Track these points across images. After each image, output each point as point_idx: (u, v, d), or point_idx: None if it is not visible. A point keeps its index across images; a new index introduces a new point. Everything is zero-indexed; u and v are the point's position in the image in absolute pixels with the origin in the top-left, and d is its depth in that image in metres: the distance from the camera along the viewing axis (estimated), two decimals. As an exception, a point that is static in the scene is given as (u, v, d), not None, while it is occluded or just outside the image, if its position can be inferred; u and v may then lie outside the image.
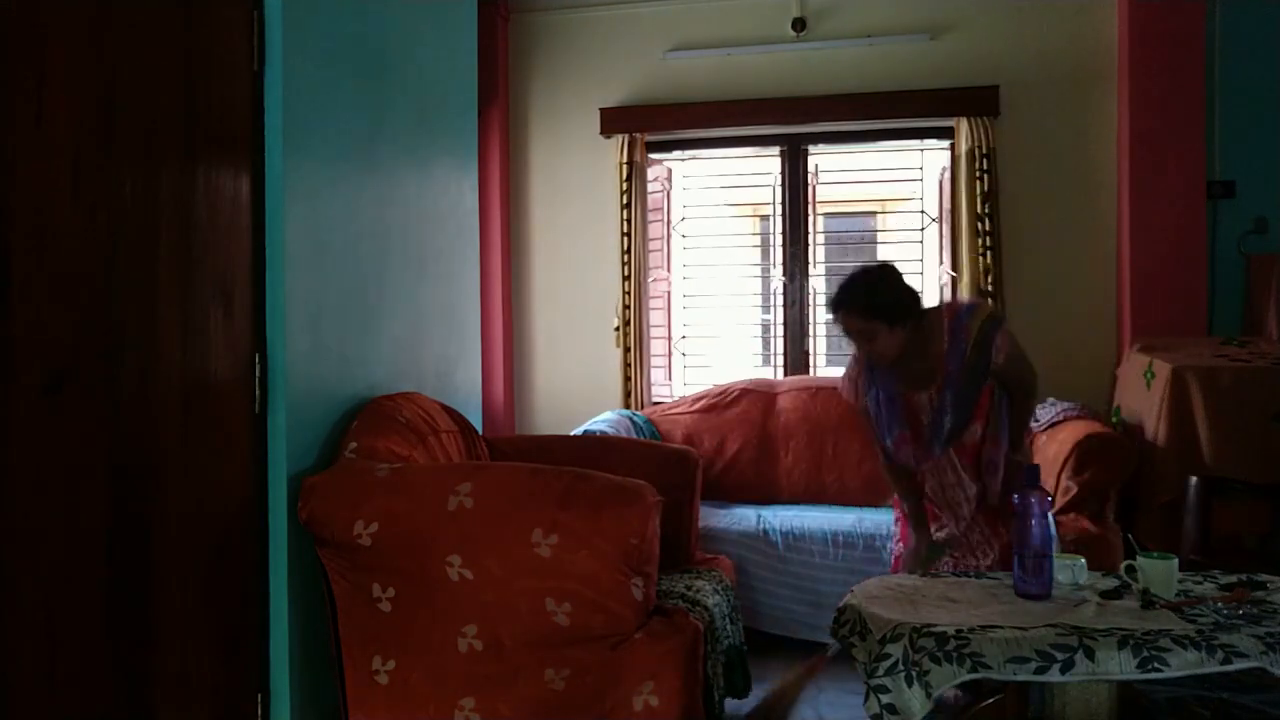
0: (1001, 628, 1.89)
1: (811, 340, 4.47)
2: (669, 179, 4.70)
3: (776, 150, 4.50)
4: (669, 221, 4.67)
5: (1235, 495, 3.11)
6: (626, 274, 4.42)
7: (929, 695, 1.81)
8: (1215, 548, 3.04)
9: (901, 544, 2.77)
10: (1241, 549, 3.07)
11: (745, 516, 3.53)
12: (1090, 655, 1.80)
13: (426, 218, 2.91)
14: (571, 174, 4.63)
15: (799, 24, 4.34)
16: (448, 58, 3.10)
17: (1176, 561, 2.14)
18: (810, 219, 4.46)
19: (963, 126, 4.13)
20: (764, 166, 4.58)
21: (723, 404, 4.12)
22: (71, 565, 1.66)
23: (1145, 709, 2.32)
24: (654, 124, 4.46)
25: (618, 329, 4.45)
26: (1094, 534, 3.17)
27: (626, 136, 4.42)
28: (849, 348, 2.65)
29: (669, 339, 4.68)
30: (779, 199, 4.49)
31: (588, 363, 4.60)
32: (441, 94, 3.05)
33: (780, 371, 4.49)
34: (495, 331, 4.49)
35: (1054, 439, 3.53)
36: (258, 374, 2.10)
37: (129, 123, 1.78)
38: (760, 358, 4.75)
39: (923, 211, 4.52)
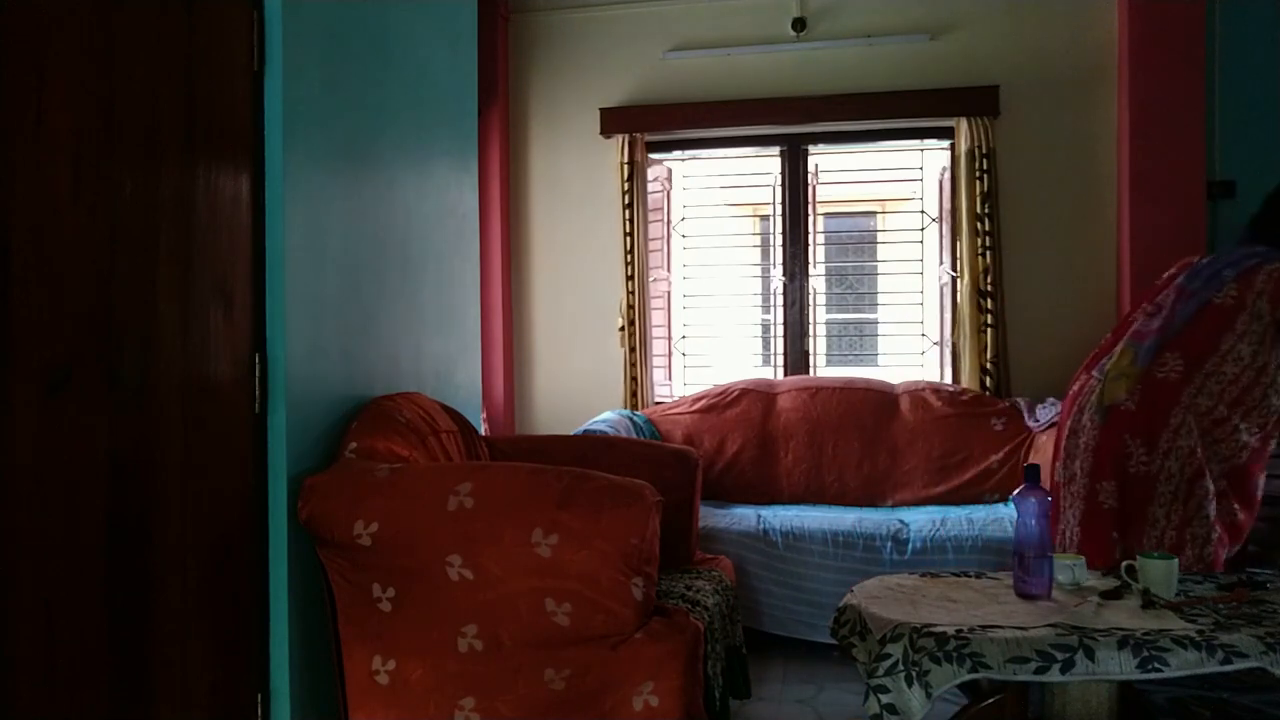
0: (1001, 628, 1.89)
1: (811, 340, 4.47)
2: (669, 179, 4.70)
3: (776, 150, 4.50)
4: (669, 221, 4.68)
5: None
6: (630, 274, 4.42)
7: (929, 695, 1.82)
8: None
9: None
10: (1242, 549, 3.07)
11: (745, 516, 3.53)
12: (1090, 655, 1.80)
13: (426, 218, 2.91)
14: (571, 174, 4.63)
15: (799, 24, 4.34)
16: (448, 58, 3.10)
17: (1176, 561, 2.15)
18: (810, 219, 4.46)
19: (963, 126, 4.13)
20: (764, 166, 4.58)
21: (723, 404, 4.12)
22: (71, 565, 1.66)
23: (1145, 709, 2.32)
24: (654, 124, 4.46)
25: (622, 329, 4.45)
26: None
27: (626, 136, 4.42)
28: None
29: (669, 339, 4.69)
30: (779, 199, 4.49)
31: (588, 363, 4.60)
32: (441, 94, 3.05)
33: (780, 371, 4.50)
34: (495, 331, 4.50)
35: (1054, 438, 3.53)
36: (258, 374, 2.10)
37: (129, 123, 1.77)
38: (760, 358, 4.76)
39: (923, 211, 4.53)
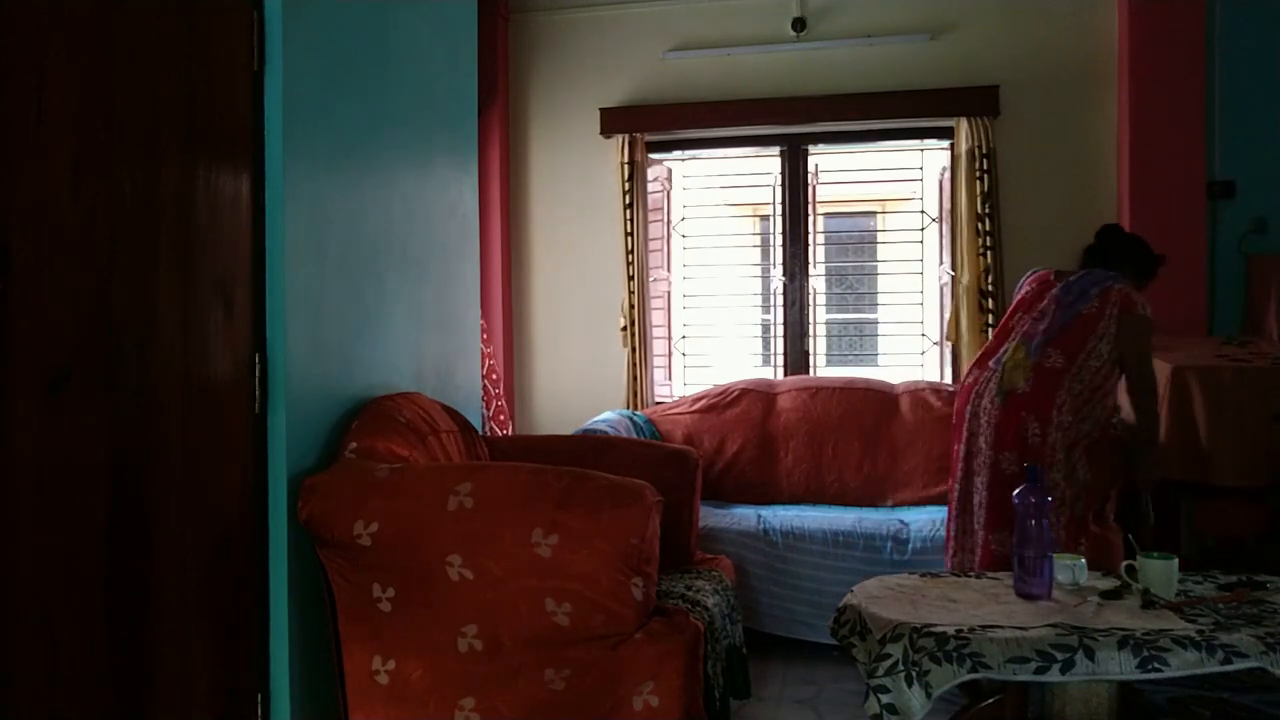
0: (1001, 628, 1.89)
1: (811, 340, 4.47)
2: (669, 179, 4.70)
3: (776, 150, 4.50)
4: (669, 221, 4.68)
5: (1234, 496, 3.11)
6: (630, 274, 4.42)
7: (929, 695, 1.82)
8: (1214, 549, 3.05)
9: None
10: (1241, 550, 3.07)
11: (745, 516, 3.53)
12: (1090, 655, 1.80)
13: (426, 217, 2.91)
14: (572, 174, 4.63)
15: (799, 24, 4.34)
16: (448, 58, 3.10)
17: (1176, 561, 2.15)
18: (810, 219, 4.46)
19: (963, 126, 4.13)
20: (764, 166, 4.58)
21: (723, 404, 4.12)
22: (71, 565, 1.66)
23: (1145, 709, 2.32)
24: (654, 124, 4.46)
25: (623, 329, 4.45)
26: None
27: (626, 136, 4.42)
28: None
29: (669, 339, 4.69)
30: (779, 199, 4.49)
31: (588, 363, 4.60)
32: (441, 94, 3.05)
33: (780, 371, 4.50)
34: (495, 331, 4.50)
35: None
36: (258, 374, 2.10)
37: (129, 122, 1.77)
38: (760, 358, 4.76)
39: (923, 211, 4.53)
